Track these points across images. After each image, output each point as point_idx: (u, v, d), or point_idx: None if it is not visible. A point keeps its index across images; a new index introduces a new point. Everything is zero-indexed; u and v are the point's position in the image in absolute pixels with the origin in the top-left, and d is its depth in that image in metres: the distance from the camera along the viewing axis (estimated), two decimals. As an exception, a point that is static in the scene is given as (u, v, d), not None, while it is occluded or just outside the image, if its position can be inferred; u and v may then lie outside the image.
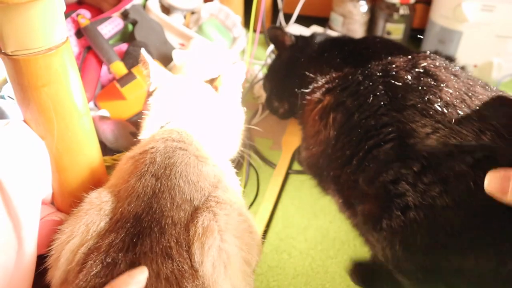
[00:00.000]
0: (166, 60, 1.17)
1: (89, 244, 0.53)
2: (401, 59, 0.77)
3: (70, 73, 0.62)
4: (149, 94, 0.77)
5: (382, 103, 0.69)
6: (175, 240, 0.51)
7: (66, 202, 0.73)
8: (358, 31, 1.61)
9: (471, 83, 0.70)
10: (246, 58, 1.42)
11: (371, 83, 0.73)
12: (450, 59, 0.83)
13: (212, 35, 1.32)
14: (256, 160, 1.03)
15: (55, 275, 0.54)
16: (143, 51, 0.77)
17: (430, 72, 0.71)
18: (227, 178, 0.65)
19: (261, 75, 1.33)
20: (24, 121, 0.64)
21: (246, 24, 1.53)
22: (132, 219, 0.53)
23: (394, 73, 0.73)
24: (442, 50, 1.48)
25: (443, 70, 0.72)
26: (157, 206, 0.54)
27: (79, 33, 1.11)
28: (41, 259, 0.61)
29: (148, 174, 0.58)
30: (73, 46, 1.09)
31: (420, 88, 0.68)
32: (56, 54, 0.58)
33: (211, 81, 0.78)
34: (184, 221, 0.54)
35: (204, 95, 0.75)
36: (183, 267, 0.50)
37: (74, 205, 0.72)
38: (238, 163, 0.86)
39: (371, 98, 0.71)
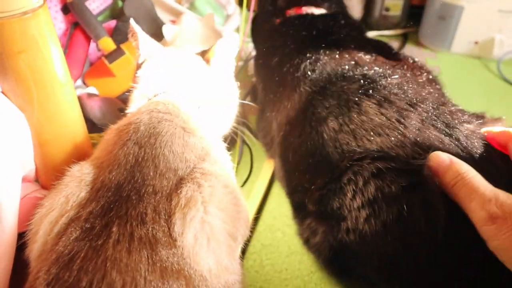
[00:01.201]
0: (156, 37, 1.13)
1: (70, 214, 0.51)
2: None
3: (49, 39, 0.58)
4: (138, 66, 0.74)
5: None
6: (152, 208, 0.49)
7: (50, 178, 0.70)
8: (355, 7, 1.57)
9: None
10: (240, 37, 1.38)
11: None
12: None
13: (205, 12, 1.29)
14: (249, 138, 1.00)
15: (33, 248, 0.52)
16: (132, 21, 0.73)
17: None
18: (215, 151, 0.62)
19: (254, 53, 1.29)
20: (2, 92, 0.61)
21: (240, 1, 1.49)
22: (114, 188, 0.52)
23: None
24: (442, 26, 1.46)
25: None
26: (139, 175, 0.52)
27: (66, 8, 1.07)
28: (23, 237, 0.60)
29: (131, 142, 0.56)
30: (60, 23, 1.05)
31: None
32: (32, 18, 0.55)
33: (203, 53, 0.75)
34: (167, 190, 0.52)
35: (194, 67, 0.72)
36: (157, 234, 0.48)
37: (57, 181, 0.70)
38: (231, 140, 0.83)
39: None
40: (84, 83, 1.03)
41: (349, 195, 0.59)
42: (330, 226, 0.63)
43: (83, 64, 1.03)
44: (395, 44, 1.57)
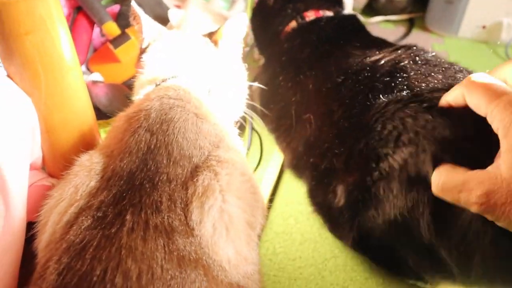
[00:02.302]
0: (161, 22, 1.10)
1: (80, 204, 0.49)
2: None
3: (56, 20, 0.56)
4: (142, 51, 0.72)
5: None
6: (167, 196, 0.48)
7: (57, 166, 0.68)
8: (361, -8, 1.54)
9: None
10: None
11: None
12: None
13: (209, -4, 1.26)
14: (259, 124, 0.98)
15: (42, 239, 0.51)
16: (133, 4, 0.71)
17: None
18: (229, 138, 0.61)
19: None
20: (8, 76, 0.58)
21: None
22: (126, 176, 0.50)
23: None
24: (449, 10, 1.44)
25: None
26: (152, 163, 0.51)
27: (68, -8, 1.05)
28: (32, 227, 0.58)
29: (142, 129, 0.54)
30: (62, 7, 1.02)
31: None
32: (39, -3, 0.53)
33: (210, 35, 0.73)
34: (182, 178, 0.50)
35: (202, 49, 0.70)
36: (173, 222, 0.46)
37: (65, 169, 0.68)
38: (240, 127, 0.81)
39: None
40: (88, 69, 1.01)
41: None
42: (362, 173, 0.64)
43: (87, 50, 1.01)
44: (401, 30, 1.55)
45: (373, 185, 0.61)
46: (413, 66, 0.70)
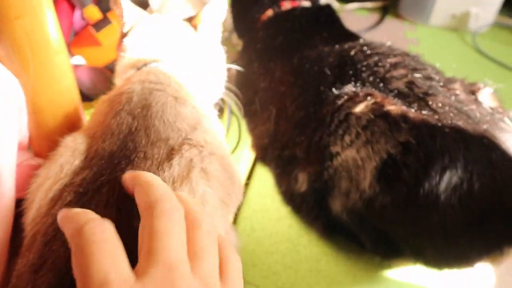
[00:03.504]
0: (141, 6, 1.12)
1: (64, 181, 0.52)
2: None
3: (45, 5, 0.58)
4: (123, 35, 0.73)
5: None
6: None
7: (43, 146, 0.70)
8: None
9: None
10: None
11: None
12: None
13: (189, -20, 1.27)
14: (238, 106, 1.02)
15: (29, 215, 0.53)
16: None
17: None
18: (206, 120, 0.63)
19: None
20: (-3, 59, 0.60)
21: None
22: (107, 156, 0.53)
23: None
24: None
25: None
26: (131, 144, 0.53)
27: (48, -25, 1.05)
28: (19, 204, 0.60)
29: (124, 112, 0.57)
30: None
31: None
32: (28, -17, 0.55)
33: (189, 20, 0.75)
34: (158, 159, 0.53)
35: (182, 34, 0.72)
36: None
37: (52, 149, 0.70)
38: (219, 110, 0.85)
39: None
40: (69, 52, 1.02)
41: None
42: (320, 166, 0.69)
43: (68, 33, 1.01)
44: (375, 17, 1.59)
45: (329, 179, 0.67)
46: (361, 57, 0.75)
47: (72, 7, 1.05)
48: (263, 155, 0.90)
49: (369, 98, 0.64)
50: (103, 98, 0.63)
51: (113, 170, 0.50)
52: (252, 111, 0.92)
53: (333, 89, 0.70)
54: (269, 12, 0.97)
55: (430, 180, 0.56)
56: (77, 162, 0.54)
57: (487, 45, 1.44)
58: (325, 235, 0.79)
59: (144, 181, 0.42)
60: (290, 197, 0.81)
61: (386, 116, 0.60)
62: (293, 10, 0.95)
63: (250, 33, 1.00)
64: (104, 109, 0.60)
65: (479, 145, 0.58)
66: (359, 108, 0.63)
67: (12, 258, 0.61)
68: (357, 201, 0.63)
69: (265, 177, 0.92)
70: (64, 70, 0.64)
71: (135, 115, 0.57)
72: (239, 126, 1.02)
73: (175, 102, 0.60)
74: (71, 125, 0.69)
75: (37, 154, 0.72)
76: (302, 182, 0.75)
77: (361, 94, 0.65)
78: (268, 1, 0.97)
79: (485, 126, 0.62)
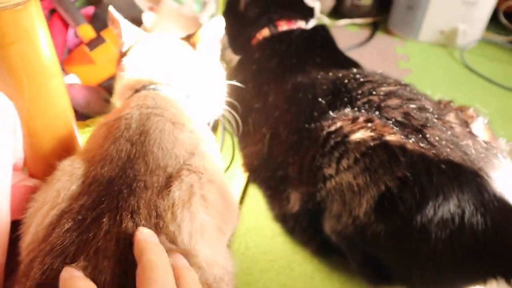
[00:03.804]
0: (135, 24, 1.13)
1: (61, 207, 0.52)
2: None
3: (40, 31, 0.59)
4: (122, 54, 0.73)
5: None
6: (144, 203, 0.51)
7: (38, 168, 0.70)
8: (328, -4, 1.60)
9: None
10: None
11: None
12: None
13: (182, -2, 1.28)
14: (234, 123, 1.03)
15: (25, 240, 0.53)
16: (111, 8, 0.72)
17: None
18: (204, 145, 0.64)
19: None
20: (-8, 82, 0.60)
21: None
22: (106, 183, 0.53)
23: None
24: (410, 15, 1.52)
25: None
26: (131, 171, 0.54)
27: (42, -6, 1.05)
28: (14, 226, 0.60)
29: (123, 139, 0.57)
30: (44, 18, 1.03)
31: None
32: (24, 10, 0.55)
33: (188, 38, 0.75)
34: (157, 187, 0.53)
35: (181, 53, 0.72)
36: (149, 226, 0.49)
37: (47, 171, 0.70)
38: (213, 127, 0.85)
39: None
40: (63, 70, 1.02)
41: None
42: (313, 187, 0.70)
43: (62, 52, 1.02)
44: (365, 33, 1.62)
45: (322, 201, 0.68)
46: (355, 85, 0.77)
47: (66, 25, 1.06)
48: (254, 176, 0.91)
49: (369, 124, 0.65)
50: (101, 122, 0.63)
51: (113, 198, 0.51)
52: (244, 130, 0.93)
53: (330, 112, 0.71)
54: (266, 32, 0.98)
55: (423, 216, 0.58)
56: (74, 187, 0.54)
57: (474, 60, 1.47)
58: (319, 255, 0.80)
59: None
60: (283, 219, 0.82)
61: (385, 146, 0.61)
62: (289, 32, 0.97)
63: (246, 52, 1.00)
64: (103, 134, 0.60)
65: (473, 185, 0.60)
66: (359, 134, 0.64)
67: (6, 281, 0.61)
68: (348, 225, 0.64)
69: (259, 194, 0.92)
70: (60, 93, 0.65)
71: (133, 141, 0.57)
72: (233, 143, 1.03)
73: (173, 128, 0.60)
74: (66, 147, 0.69)
75: (32, 175, 0.72)
76: (294, 202, 0.76)
77: (361, 118, 0.66)
78: (264, 20, 0.98)
79: (480, 164, 0.63)
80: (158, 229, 0.49)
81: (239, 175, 0.94)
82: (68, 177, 0.55)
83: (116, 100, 0.73)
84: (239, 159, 0.98)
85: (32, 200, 0.57)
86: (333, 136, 0.66)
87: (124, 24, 0.72)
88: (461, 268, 0.61)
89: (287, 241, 0.84)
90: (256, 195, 0.92)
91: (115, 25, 0.73)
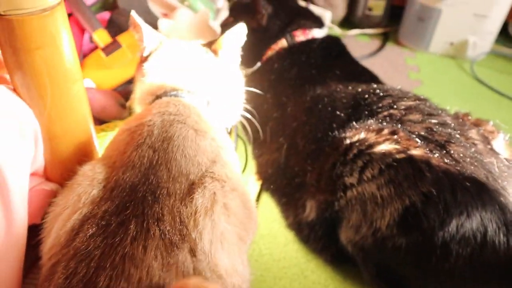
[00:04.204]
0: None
1: (83, 211, 0.52)
2: None
3: (64, 36, 0.59)
4: (143, 59, 0.73)
5: None
6: (168, 210, 0.51)
7: (56, 172, 0.71)
8: (340, 6, 1.61)
9: None
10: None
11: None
12: None
13: (196, 5, 1.29)
14: (247, 131, 1.03)
15: (47, 243, 0.54)
16: (133, 13, 0.72)
17: None
18: (225, 153, 0.64)
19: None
20: (13, 87, 0.61)
21: (228, -4, 1.50)
22: (129, 188, 0.53)
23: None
24: (421, 27, 1.53)
25: None
26: (153, 177, 0.54)
27: (59, -1, 1.06)
28: (32, 230, 0.60)
29: (145, 146, 0.58)
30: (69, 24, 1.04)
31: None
32: (50, 15, 0.56)
33: (209, 44, 0.75)
34: (180, 194, 0.54)
35: (203, 59, 0.73)
36: (172, 237, 0.49)
37: (64, 175, 0.70)
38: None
39: None
40: (78, 75, 1.03)
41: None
42: (331, 196, 0.69)
43: (78, 56, 1.03)
44: (376, 43, 1.62)
45: (340, 210, 0.68)
46: (375, 99, 0.76)
47: (82, 30, 1.07)
48: (268, 184, 0.92)
49: (395, 136, 0.65)
50: (123, 128, 0.63)
51: (138, 204, 0.51)
52: (260, 138, 0.93)
53: (354, 122, 0.71)
54: (283, 43, 0.98)
55: (445, 232, 0.58)
56: (95, 191, 0.55)
57: (484, 73, 1.48)
58: (333, 264, 0.80)
59: None
60: (298, 227, 0.82)
61: (411, 160, 0.61)
62: (307, 43, 0.97)
63: (264, 63, 1.00)
64: (125, 139, 0.60)
65: (496, 204, 0.60)
66: (384, 145, 0.64)
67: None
68: (368, 236, 0.64)
69: (272, 202, 0.92)
70: (81, 98, 0.65)
71: (156, 148, 0.57)
72: (246, 150, 1.03)
73: (195, 135, 0.61)
74: (84, 152, 0.70)
75: (49, 179, 0.72)
76: (310, 210, 0.76)
77: (386, 130, 0.66)
78: (279, 32, 0.99)
79: (503, 183, 0.64)
80: (182, 236, 0.50)
81: (253, 182, 0.94)
82: (89, 182, 0.56)
83: (135, 105, 0.73)
84: (252, 167, 0.98)
85: (52, 205, 0.57)
86: (357, 145, 0.66)
87: (146, 29, 0.73)
88: (480, 286, 0.61)
89: (300, 248, 0.84)
90: (269, 202, 0.92)
91: (136, 29, 0.73)
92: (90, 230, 0.49)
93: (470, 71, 1.48)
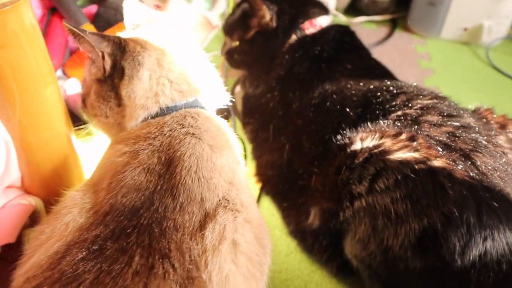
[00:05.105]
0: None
1: (68, 239, 0.47)
2: None
3: (31, 34, 0.53)
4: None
5: None
6: (175, 246, 0.46)
7: (35, 184, 0.65)
8: (345, -8, 1.53)
9: None
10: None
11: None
12: None
13: (190, -4, 1.22)
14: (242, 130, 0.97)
15: (23, 267, 0.49)
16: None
17: None
18: (240, 168, 0.57)
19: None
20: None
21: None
22: (128, 212, 0.47)
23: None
24: (432, 12, 1.45)
25: None
26: (159, 204, 0.48)
27: (42, -8, 1.00)
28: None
29: (150, 167, 0.51)
30: (35, 8, 0.98)
31: None
32: (12, 11, 0.49)
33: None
34: (189, 227, 0.48)
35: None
36: (181, 275, 0.44)
37: (44, 187, 0.65)
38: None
39: None
40: (64, 73, 0.97)
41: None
42: (339, 201, 0.62)
43: (63, 54, 0.97)
44: (384, 30, 1.54)
45: (345, 221, 0.61)
46: (388, 96, 0.69)
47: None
48: (268, 187, 0.85)
49: (414, 143, 0.58)
50: (120, 149, 0.54)
51: (143, 233, 0.46)
52: (261, 137, 0.87)
53: (368, 123, 0.64)
54: (293, 38, 0.91)
55: (466, 259, 0.51)
56: (82, 220, 0.49)
57: (500, 59, 1.39)
58: (339, 277, 0.73)
59: None
60: (301, 236, 0.76)
61: (432, 173, 0.54)
62: (318, 35, 0.90)
63: (274, 60, 0.92)
64: (123, 161, 0.52)
65: None
66: (403, 152, 0.57)
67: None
68: (377, 254, 0.57)
69: (272, 207, 0.86)
70: (55, 103, 0.59)
71: (161, 170, 0.51)
72: (245, 151, 0.97)
73: (211, 152, 0.53)
74: (65, 162, 0.64)
75: (28, 191, 0.67)
76: (314, 217, 0.70)
77: (404, 135, 0.59)
78: (290, 28, 0.90)
79: None
80: (190, 278, 0.45)
81: (252, 186, 0.87)
82: (79, 210, 0.50)
83: (134, 112, 0.59)
84: (251, 169, 0.92)
85: (38, 232, 0.51)
86: (369, 148, 0.59)
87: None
88: None
89: (303, 259, 0.78)
90: (270, 207, 0.86)
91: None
92: (80, 254, 0.44)
93: (485, 58, 1.40)
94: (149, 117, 0.57)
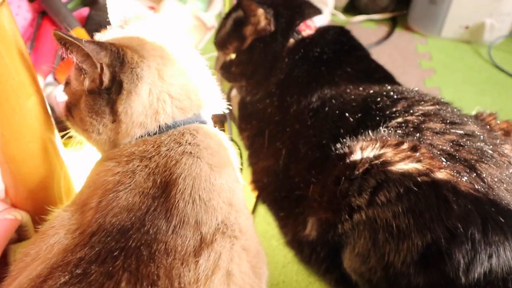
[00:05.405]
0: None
1: (51, 261, 0.45)
2: None
3: (11, 43, 0.50)
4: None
5: None
6: (164, 271, 0.43)
7: (21, 196, 0.63)
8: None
9: None
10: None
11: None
12: None
13: (185, -3, 1.20)
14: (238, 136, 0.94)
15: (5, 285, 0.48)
16: None
17: None
18: (239, 187, 0.55)
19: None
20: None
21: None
22: (116, 233, 0.45)
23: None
24: (433, 10, 1.42)
25: None
26: (151, 225, 0.45)
27: (32, -5, 0.98)
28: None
29: (144, 190, 0.48)
30: (25, 12, 0.96)
31: None
32: (-12, 19, 0.47)
33: None
34: (181, 252, 0.45)
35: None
36: None
37: (29, 200, 0.63)
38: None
39: None
40: (55, 79, 0.94)
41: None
42: (337, 213, 0.60)
43: (53, 58, 0.94)
44: (383, 29, 1.51)
45: (344, 234, 0.59)
46: (388, 102, 0.67)
47: (58, 29, 0.98)
48: (264, 195, 0.83)
49: (416, 154, 0.55)
50: (112, 168, 0.51)
51: (131, 258, 0.43)
52: (258, 143, 0.84)
53: (369, 131, 0.61)
54: (291, 41, 0.87)
55: (470, 277, 0.49)
56: (67, 241, 0.47)
57: (503, 58, 1.37)
58: (337, 288, 0.71)
59: None
60: (298, 246, 0.73)
61: (435, 186, 0.51)
62: (316, 36, 0.86)
63: (275, 65, 0.88)
64: (115, 180, 0.49)
65: None
66: (405, 164, 0.54)
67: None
68: (377, 270, 0.55)
69: (268, 216, 0.84)
70: (38, 114, 0.56)
71: (156, 192, 0.48)
72: (241, 157, 0.95)
73: (210, 171, 0.51)
74: (51, 174, 0.62)
75: (14, 204, 0.64)
76: (311, 228, 0.67)
77: (406, 145, 0.56)
78: (287, 31, 0.87)
79: None
80: None
81: (248, 193, 0.85)
82: (65, 231, 0.48)
83: (131, 129, 0.54)
84: (247, 175, 0.90)
85: (24, 254, 0.49)
86: (369, 159, 0.56)
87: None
88: None
89: (300, 270, 0.76)
90: (266, 216, 0.84)
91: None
92: (62, 278, 0.42)
93: (487, 57, 1.37)
94: (146, 135, 0.53)
